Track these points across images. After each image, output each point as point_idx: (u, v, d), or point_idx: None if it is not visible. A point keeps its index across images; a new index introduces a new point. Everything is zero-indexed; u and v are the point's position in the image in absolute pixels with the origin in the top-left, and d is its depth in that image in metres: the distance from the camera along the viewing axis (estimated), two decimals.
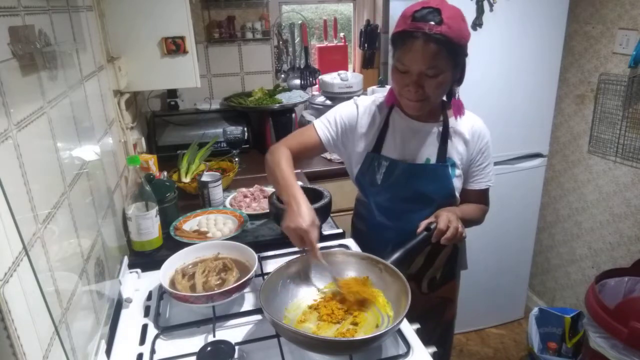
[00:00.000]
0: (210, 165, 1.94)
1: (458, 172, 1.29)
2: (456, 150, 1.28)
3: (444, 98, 1.27)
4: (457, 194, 1.31)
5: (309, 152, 1.32)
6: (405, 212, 1.31)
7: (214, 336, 1.02)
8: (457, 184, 1.29)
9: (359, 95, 1.43)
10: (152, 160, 1.70)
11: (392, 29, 1.25)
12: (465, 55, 1.16)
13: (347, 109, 1.33)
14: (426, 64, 1.09)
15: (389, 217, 1.34)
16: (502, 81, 2.12)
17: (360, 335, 0.95)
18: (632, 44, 1.97)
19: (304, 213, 1.04)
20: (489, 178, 1.34)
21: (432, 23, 1.06)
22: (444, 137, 1.26)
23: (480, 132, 1.29)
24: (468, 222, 1.30)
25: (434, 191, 1.27)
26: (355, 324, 0.99)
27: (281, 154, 1.22)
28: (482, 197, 1.37)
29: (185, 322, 1.06)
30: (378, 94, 1.37)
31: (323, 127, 1.31)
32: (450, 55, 1.10)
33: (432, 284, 1.41)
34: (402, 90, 1.17)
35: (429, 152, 1.27)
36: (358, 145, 1.31)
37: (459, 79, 1.21)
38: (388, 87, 1.33)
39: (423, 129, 1.27)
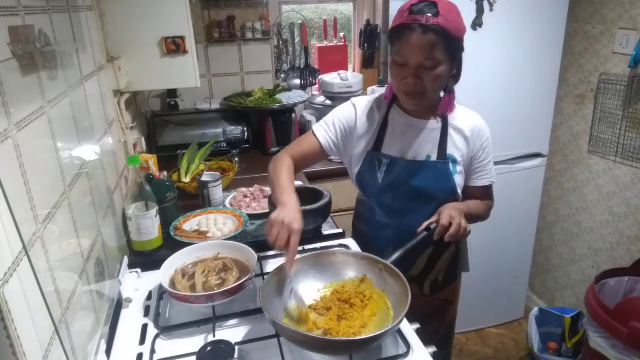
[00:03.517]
0: (210, 165, 1.94)
1: (459, 168, 1.28)
2: (456, 147, 1.28)
3: (441, 94, 1.27)
4: (459, 191, 1.31)
5: (311, 159, 1.32)
6: (406, 210, 1.31)
7: (214, 336, 1.02)
8: (459, 180, 1.29)
9: (358, 96, 1.43)
10: (152, 160, 1.70)
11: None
12: (462, 50, 1.18)
13: (346, 111, 1.33)
14: (424, 55, 1.10)
15: (390, 216, 1.34)
16: (502, 81, 2.11)
17: (360, 335, 0.95)
18: (632, 44, 1.97)
19: (293, 210, 1.05)
20: (491, 174, 1.34)
21: (429, 15, 1.08)
22: (444, 133, 1.26)
23: (481, 128, 1.29)
24: (474, 218, 1.30)
25: (435, 188, 1.27)
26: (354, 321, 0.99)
27: (282, 163, 1.23)
28: (486, 193, 1.37)
29: (185, 322, 1.06)
30: (376, 94, 1.37)
31: (322, 131, 1.32)
32: (447, 47, 1.11)
33: (434, 286, 1.40)
34: (400, 84, 1.18)
35: (429, 149, 1.27)
36: (358, 146, 1.31)
37: (455, 75, 1.22)
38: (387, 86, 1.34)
39: (422, 125, 1.27)
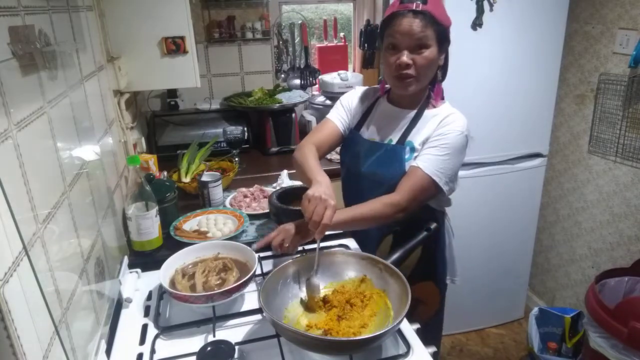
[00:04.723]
0: (210, 165, 1.95)
1: (416, 155, 1.26)
2: (421, 135, 1.27)
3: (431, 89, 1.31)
4: None
5: (330, 142, 1.41)
6: (358, 190, 1.36)
7: (214, 336, 1.02)
8: None
9: None
10: (152, 160, 1.70)
11: None
12: (449, 41, 1.25)
13: (348, 94, 1.47)
14: (415, 36, 1.17)
15: (347, 193, 1.46)
16: (502, 81, 2.11)
17: (360, 335, 0.95)
18: (632, 44, 1.97)
19: (329, 188, 1.11)
20: (423, 161, 1.21)
21: (418, 2, 1.18)
22: (414, 121, 1.29)
23: (450, 120, 1.24)
24: (358, 221, 1.20)
25: (384, 171, 1.28)
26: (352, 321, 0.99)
27: (307, 149, 1.32)
28: (406, 176, 1.23)
29: (185, 322, 1.06)
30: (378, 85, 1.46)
31: (335, 114, 1.44)
32: (435, 32, 1.18)
33: None
34: (392, 69, 1.23)
35: (394, 134, 1.31)
36: (352, 124, 1.42)
37: (442, 67, 1.28)
38: (387, 86, 1.37)
39: (399, 114, 1.32)
